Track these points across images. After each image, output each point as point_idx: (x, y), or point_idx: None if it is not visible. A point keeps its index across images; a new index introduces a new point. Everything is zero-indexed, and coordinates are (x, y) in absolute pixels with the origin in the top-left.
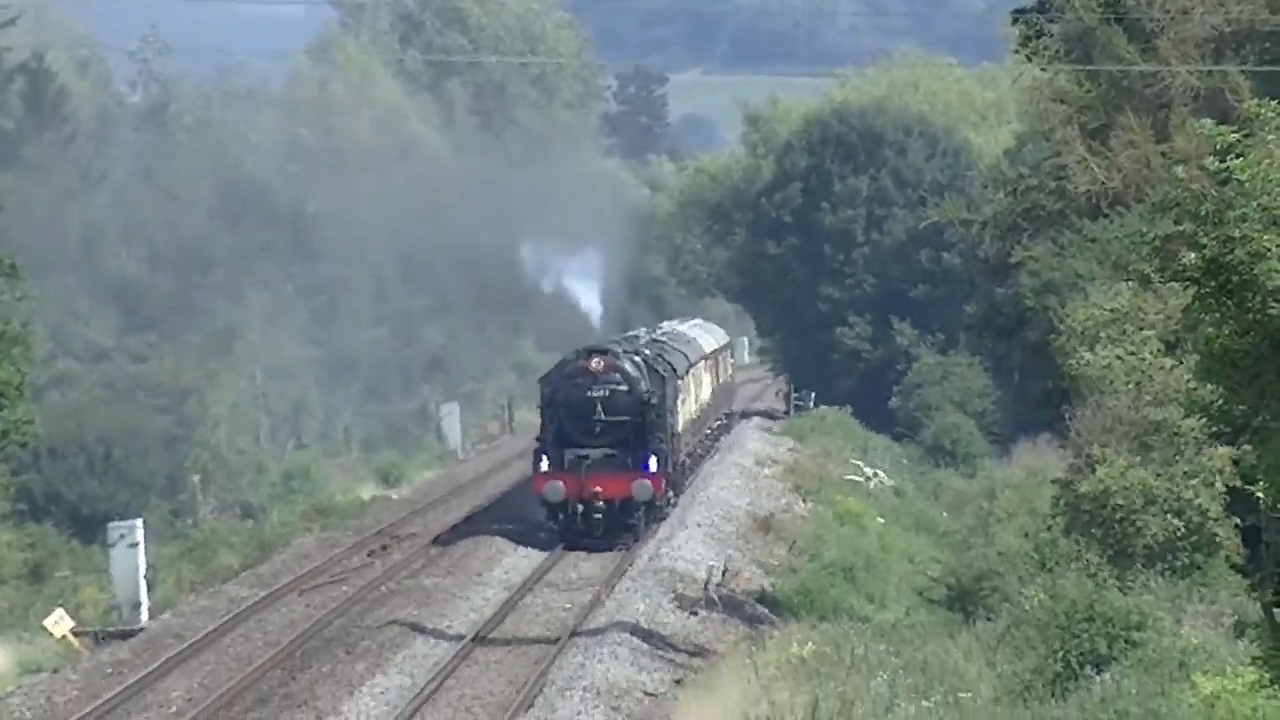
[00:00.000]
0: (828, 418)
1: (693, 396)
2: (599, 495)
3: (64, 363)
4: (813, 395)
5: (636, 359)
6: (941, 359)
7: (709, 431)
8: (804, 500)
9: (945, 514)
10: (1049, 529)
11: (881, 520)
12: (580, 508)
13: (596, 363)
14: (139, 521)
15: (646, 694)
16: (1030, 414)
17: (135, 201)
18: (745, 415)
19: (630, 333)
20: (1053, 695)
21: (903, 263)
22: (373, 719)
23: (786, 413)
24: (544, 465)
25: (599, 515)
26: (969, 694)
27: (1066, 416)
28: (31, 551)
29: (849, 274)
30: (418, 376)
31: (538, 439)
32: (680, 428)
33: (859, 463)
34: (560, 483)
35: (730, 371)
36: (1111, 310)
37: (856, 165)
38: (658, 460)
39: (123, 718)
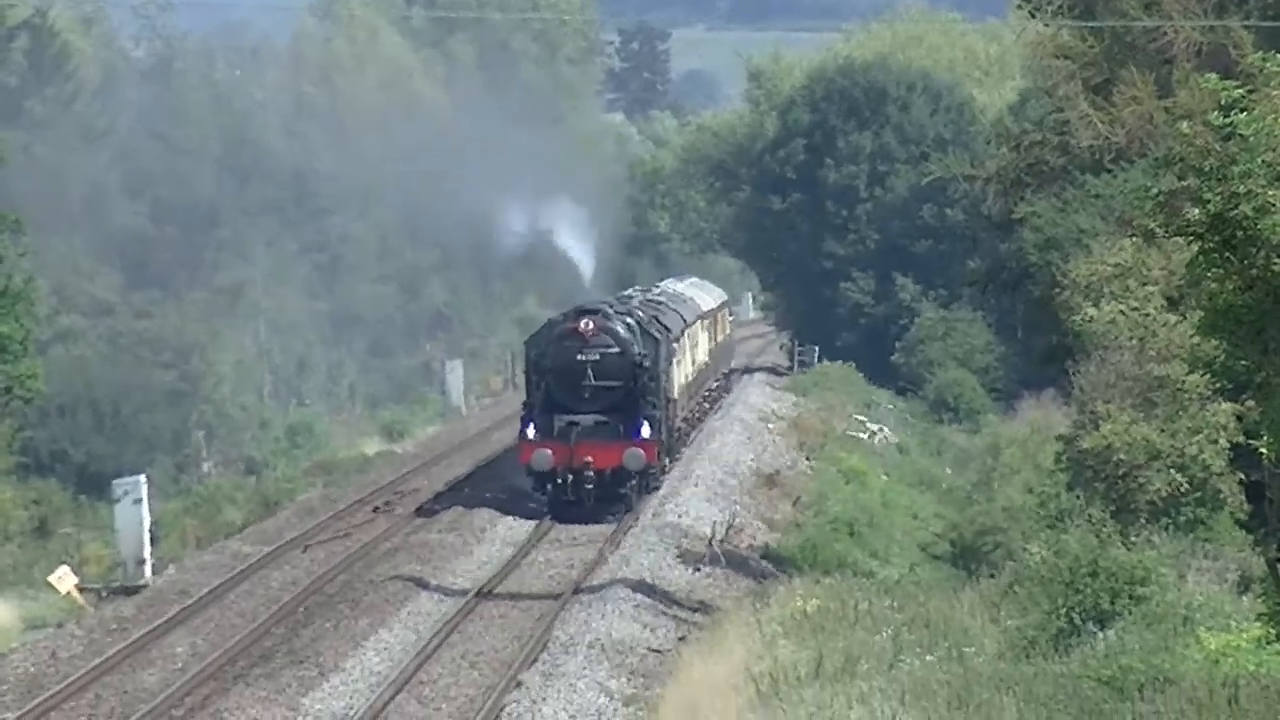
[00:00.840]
0: (831, 373)
1: (689, 358)
2: (589, 464)
3: (68, 319)
4: (816, 350)
5: (629, 320)
6: (944, 314)
7: (706, 394)
8: (808, 456)
9: (949, 470)
10: (1053, 485)
11: (885, 476)
12: (570, 477)
13: (586, 324)
14: (143, 477)
15: (650, 650)
16: (1033, 370)
17: (139, 158)
18: (749, 371)
19: (624, 292)
20: (1056, 650)
21: (906, 218)
22: (376, 674)
23: (790, 368)
24: (531, 433)
25: (590, 485)
26: (973, 649)
27: (1070, 372)
28: (36, 508)
29: (852, 230)
30: (422, 333)
31: (524, 405)
32: (676, 392)
33: (863, 418)
34: (548, 451)
35: (729, 331)
36: (1115, 265)
37: (860, 121)
38: (651, 427)
39: (127, 673)
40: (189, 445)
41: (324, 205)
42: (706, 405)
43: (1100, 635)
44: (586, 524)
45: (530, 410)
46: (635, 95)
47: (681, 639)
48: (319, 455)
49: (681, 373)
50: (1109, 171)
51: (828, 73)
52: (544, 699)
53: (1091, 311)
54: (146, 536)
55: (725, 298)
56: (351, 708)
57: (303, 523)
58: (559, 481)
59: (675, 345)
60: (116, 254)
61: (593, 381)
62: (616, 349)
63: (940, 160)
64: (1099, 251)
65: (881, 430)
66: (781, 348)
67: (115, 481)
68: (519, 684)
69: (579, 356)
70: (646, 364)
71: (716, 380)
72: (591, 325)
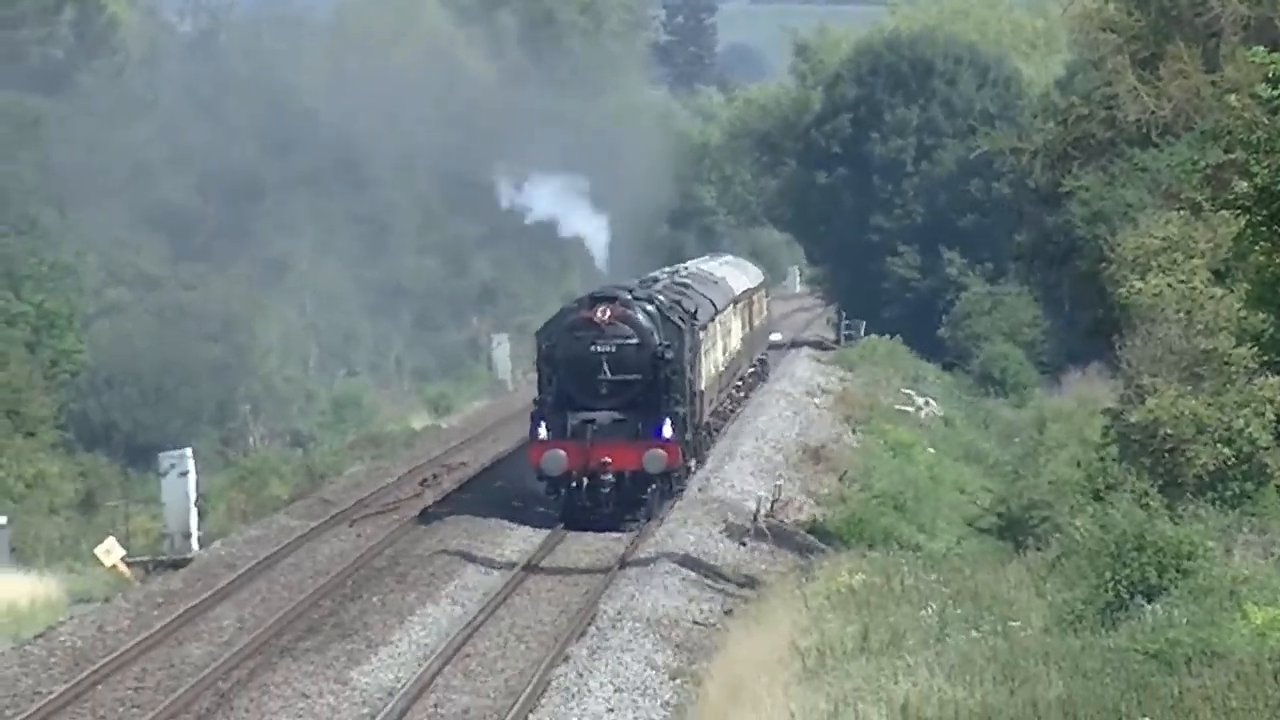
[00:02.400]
0: (878, 347)
1: (719, 347)
2: (606, 467)
3: (114, 292)
4: (863, 324)
5: (649, 307)
6: (991, 288)
7: (739, 384)
8: (854, 430)
9: (995, 444)
10: (1100, 459)
11: (931, 450)
12: (584, 481)
13: (602, 312)
14: (189, 450)
15: (696, 624)
16: (1080, 344)
17: (184, 130)
18: (795, 345)
19: (648, 275)
20: (1103, 624)
21: (952, 192)
22: (424, 648)
23: (836, 342)
24: (542, 432)
25: (606, 490)
26: (1019, 623)
27: (1116, 346)
28: (83, 481)
29: (899, 204)
30: (468, 307)
31: (535, 401)
32: (703, 384)
33: (909, 392)
34: (561, 452)
35: (766, 313)
36: (1162, 239)
37: (906, 95)
38: (674, 426)
39: (174, 647)
40: (235, 418)
41: (368, 177)
42: (741, 395)
43: (1147, 609)
44: (603, 532)
45: (541, 407)
46: (681, 69)
47: (728, 613)
48: (365, 429)
49: (710, 363)
50: (1156, 145)
51: (874, 46)
52: (591, 672)
53: (1138, 285)
54: (193, 510)
55: (763, 276)
56: (399, 681)
57: (349, 496)
58: (573, 486)
59: (703, 333)
60: (162, 227)
61: (609, 376)
62: (635, 339)
63: (986, 134)
64: (1146, 225)
65: (928, 404)
66: (828, 321)
67: (162, 455)
68: (566, 657)
69: (594, 348)
70: (669, 355)
71: (752, 367)
72: (608, 313)
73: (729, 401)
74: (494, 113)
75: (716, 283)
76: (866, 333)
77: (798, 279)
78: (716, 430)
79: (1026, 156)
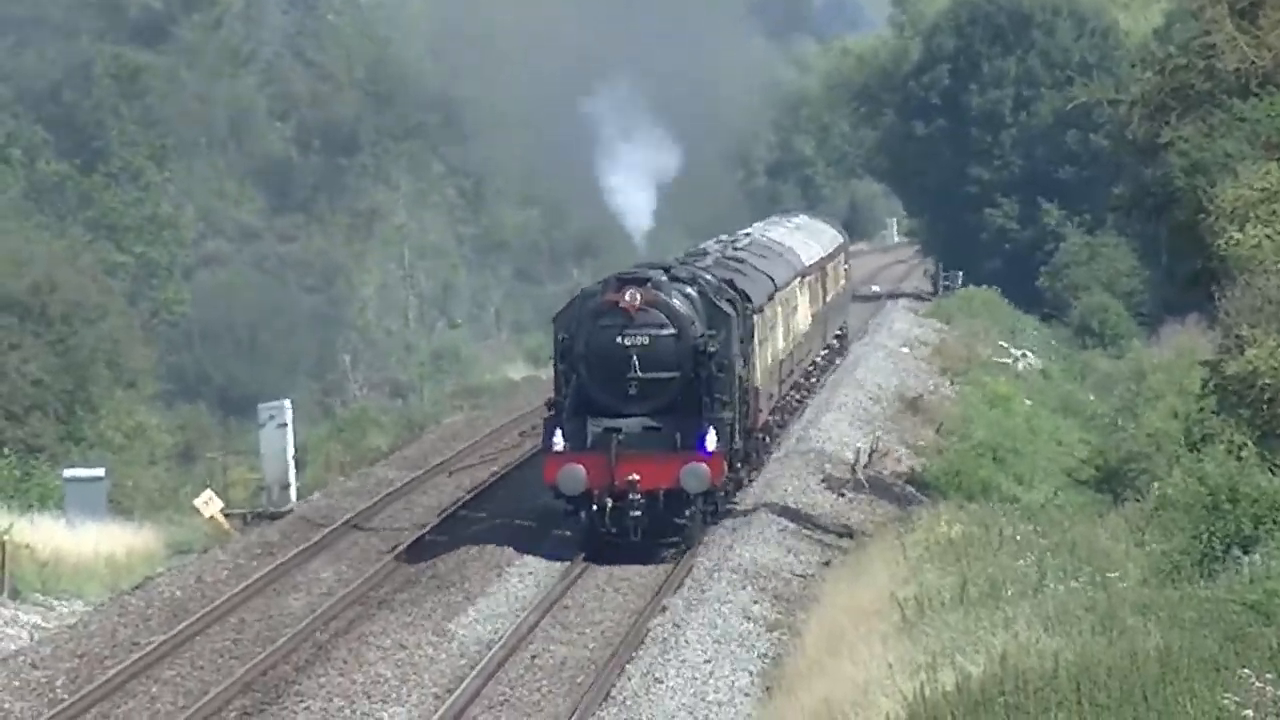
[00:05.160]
0: (975, 298)
1: (780, 330)
2: (634, 485)
3: (213, 244)
4: (960, 276)
5: (690, 290)
6: (1089, 239)
7: (811, 367)
8: (951, 381)
9: (1093, 395)
10: (1199, 410)
11: (1029, 401)
12: (609, 503)
13: (631, 296)
14: (287, 402)
15: (794, 575)
16: (1178, 295)
17: (283, 83)
18: (893, 296)
19: (697, 246)
20: (1201, 576)
21: (1050, 144)
22: (521, 600)
23: (934, 293)
24: (558, 442)
25: (636, 513)
26: (1117, 574)
27: (1215, 297)
28: (181, 433)
29: (997, 155)
30: (569, 259)
31: (549, 405)
32: (759, 379)
33: (1006, 344)
34: (580, 468)
35: (844, 281)
36: (1261, 190)
37: (1004, 46)
38: (719, 434)
39: (271, 598)
40: (334, 369)
41: (467, 129)
42: (813, 380)
43: (1245, 560)
44: (631, 564)
45: (558, 412)
46: (778, 20)
47: (825, 564)
48: (464, 380)
49: (768, 353)
50: (1255, 95)
51: None
52: (687, 623)
53: (1237, 236)
54: (291, 461)
55: (841, 239)
56: (497, 632)
57: (448, 447)
58: (595, 508)
59: (758, 318)
60: (260, 178)
61: (639, 374)
62: (671, 330)
63: (1084, 85)
64: (1245, 176)
65: (1025, 355)
66: (925, 273)
67: (260, 406)
68: (663, 608)
69: (620, 340)
70: (713, 349)
71: (826, 347)
72: (638, 297)
73: (796, 393)
74: (588, 61)
75: (781, 253)
76: (964, 284)
77: (895, 230)
78: (781, 428)
79: (1124, 107)
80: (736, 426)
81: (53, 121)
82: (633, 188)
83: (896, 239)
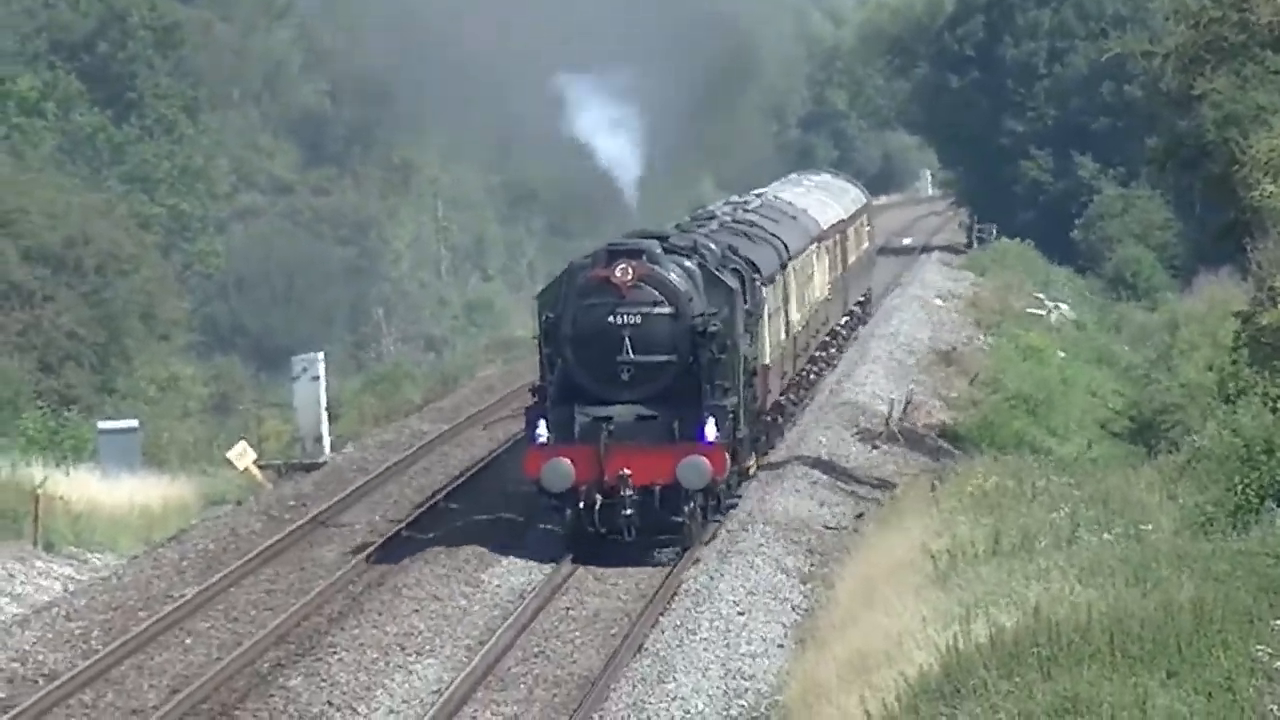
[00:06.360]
0: (1009, 251)
1: (794, 302)
2: (628, 481)
3: (247, 196)
4: (994, 228)
5: (688, 263)
6: (1123, 191)
7: (828, 339)
8: (985, 334)
9: (1127, 347)
10: (1232, 362)
11: (1063, 354)
12: (599, 500)
13: (622, 270)
14: (321, 354)
15: (827, 527)
16: (1211, 247)
17: (317, 35)
18: (926, 249)
19: (702, 210)
20: (1234, 528)
21: (1084, 96)
22: (554, 551)
23: (968, 245)
24: (542, 434)
25: (629, 511)
26: (1150, 526)
27: (1248, 249)
28: (215, 384)
29: (1031, 107)
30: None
31: (532, 391)
32: (768, 356)
33: (1040, 295)
34: (567, 461)
35: (867, 244)
36: None
37: None
38: (720, 423)
39: (305, 550)
40: (367, 322)
41: (502, 80)
42: (832, 350)
43: (1278, 512)
44: (623, 567)
45: (542, 399)
46: None
47: (859, 516)
48: (498, 333)
49: (779, 327)
50: None
51: None
52: (721, 575)
53: (1270, 188)
54: (324, 413)
55: (864, 199)
56: (530, 584)
57: (482, 400)
58: (582, 506)
59: (767, 290)
60: (294, 131)
61: (631, 357)
62: (667, 307)
63: (1118, 37)
64: (1278, 128)
65: (1059, 307)
66: (959, 225)
67: (294, 358)
68: (697, 560)
69: (611, 319)
70: (713, 328)
71: (846, 315)
72: (630, 271)
73: (812, 366)
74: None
75: (794, 218)
76: (998, 236)
77: (929, 182)
78: (795, 405)
79: (1158, 60)
80: (741, 413)
81: (87, 73)
82: (604, 132)
83: (930, 191)
